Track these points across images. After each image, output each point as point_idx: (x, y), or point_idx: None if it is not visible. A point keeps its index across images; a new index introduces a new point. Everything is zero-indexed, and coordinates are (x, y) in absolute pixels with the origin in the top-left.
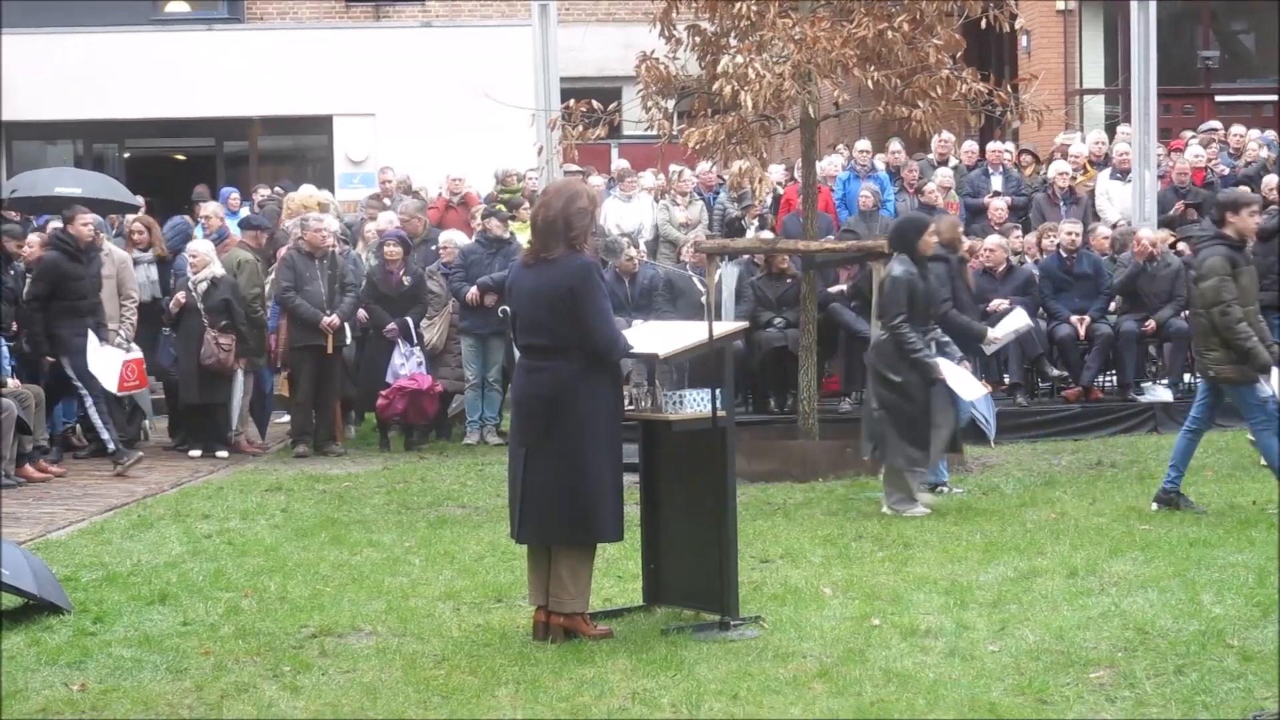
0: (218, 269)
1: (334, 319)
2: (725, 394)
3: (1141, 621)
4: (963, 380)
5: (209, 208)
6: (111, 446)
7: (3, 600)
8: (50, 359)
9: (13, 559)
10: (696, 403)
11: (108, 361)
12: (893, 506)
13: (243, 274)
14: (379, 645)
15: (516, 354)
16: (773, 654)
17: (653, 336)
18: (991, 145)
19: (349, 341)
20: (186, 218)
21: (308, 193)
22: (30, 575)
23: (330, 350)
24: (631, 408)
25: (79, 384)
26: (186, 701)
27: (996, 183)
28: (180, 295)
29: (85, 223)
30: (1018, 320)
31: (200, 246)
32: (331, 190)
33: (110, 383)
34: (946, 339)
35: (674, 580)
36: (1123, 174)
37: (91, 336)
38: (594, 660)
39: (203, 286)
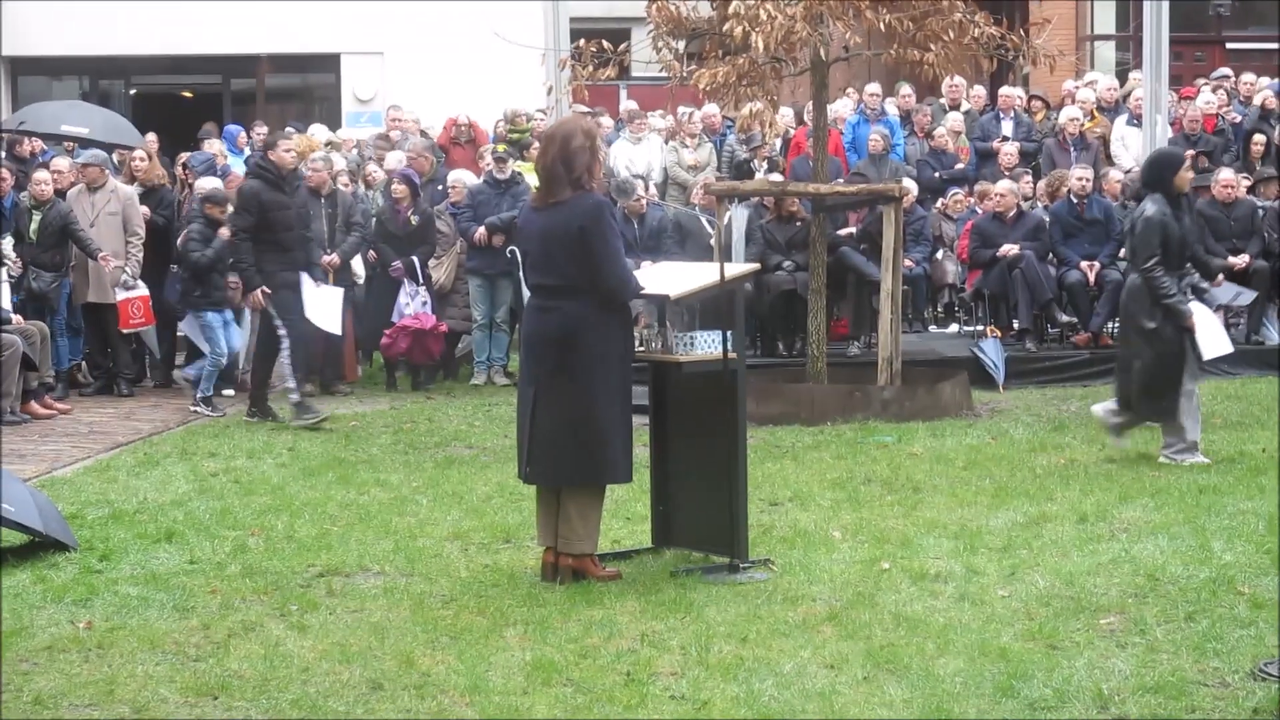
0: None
1: (334, 258)
2: (736, 336)
3: (1152, 568)
4: (1212, 332)
5: (213, 146)
6: (296, 398)
7: (8, 537)
8: (266, 291)
9: (18, 495)
10: (707, 344)
11: (327, 303)
12: (1171, 456)
13: None
14: (386, 585)
15: (526, 294)
16: (782, 597)
17: (663, 277)
18: (1003, 90)
19: (359, 281)
20: (213, 151)
21: (316, 133)
22: (36, 512)
23: None
24: (642, 349)
25: (279, 324)
26: (193, 640)
27: (1006, 128)
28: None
29: (287, 149)
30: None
31: (205, 184)
32: (336, 129)
33: (334, 325)
34: (1205, 285)
35: (683, 522)
36: (1138, 120)
37: (306, 279)
38: (603, 602)
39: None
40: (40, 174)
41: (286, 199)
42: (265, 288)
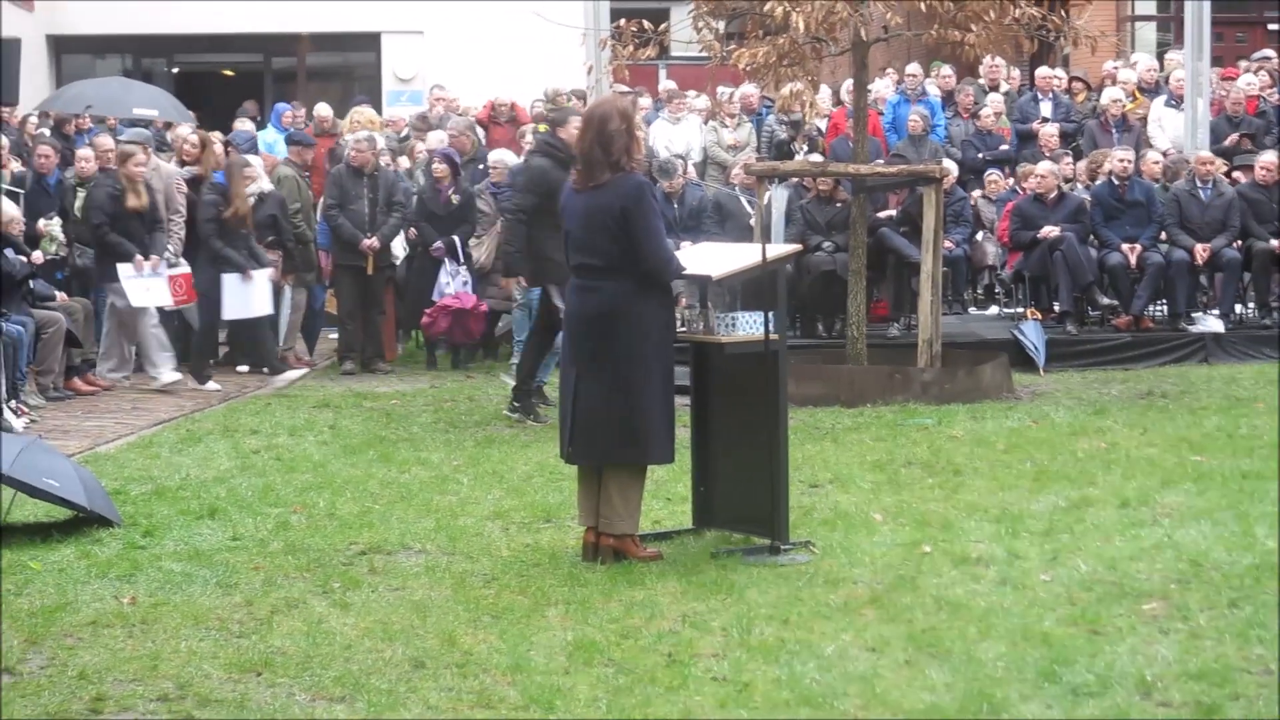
0: (265, 184)
1: (374, 241)
2: (779, 317)
3: (1195, 554)
4: None
5: (244, 125)
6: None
7: (52, 512)
8: (520, 281)
9: (63, 471)
10: (749, 325)
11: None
12: None
13: (283, 189)
14: (428, 563)
15: None
16: (823, 579)
17: (705, 258)
18: (1041, 71)
19: (398, 261)
20: (252, 130)
21: (366, 112)
22: (81, 488)
23: (370, 270)
24: (683, 329)
25: (561, 306)
26: (237, 616)
27: (1046, 109)
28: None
29: (578, 126)
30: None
31: (250, 160)
32: (379, 108)
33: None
34: None
35: (724, 503)
36: (1178, 101)
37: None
38: (644, 582)
39: (250, 201)
40: (84, 151)
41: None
42: (522, 279)
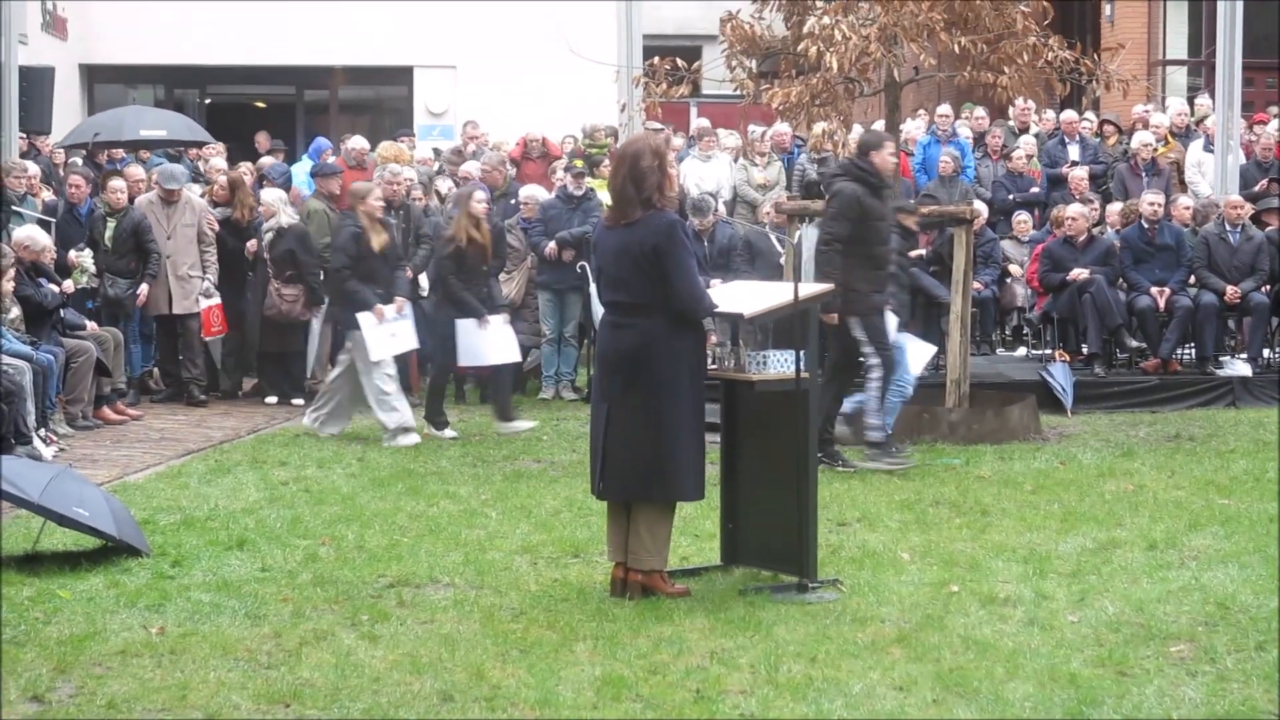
0: (284, 219)
1: (408, 271)
2: (809, 355)
3: (1222, 596)
4: None
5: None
6: (879, 436)
7: (81, 541)
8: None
9: (93, 500)
10: (780, 363)
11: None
12: None
13: (312, 223)
14: (456, 597)
15: (596, 310)
16: (851, 617)
17: (737, 296)
18: (1065, 114)
19: (425, 294)
20: (285, 164)
21: (395, 146)
22: (110, 517)
23: None
24: (715, 367)
25: (872, 351)
26: (265, 648)
27: (1073, 152)
28: (251, 244)
29: (892, 151)
30: None
31: (268, 195)
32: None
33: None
34: None
35: (752, 540)
36: (1214, 146)
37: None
38: (672, 618)
39: (268, 237)
40: (115, 182)
41: (884, 208)
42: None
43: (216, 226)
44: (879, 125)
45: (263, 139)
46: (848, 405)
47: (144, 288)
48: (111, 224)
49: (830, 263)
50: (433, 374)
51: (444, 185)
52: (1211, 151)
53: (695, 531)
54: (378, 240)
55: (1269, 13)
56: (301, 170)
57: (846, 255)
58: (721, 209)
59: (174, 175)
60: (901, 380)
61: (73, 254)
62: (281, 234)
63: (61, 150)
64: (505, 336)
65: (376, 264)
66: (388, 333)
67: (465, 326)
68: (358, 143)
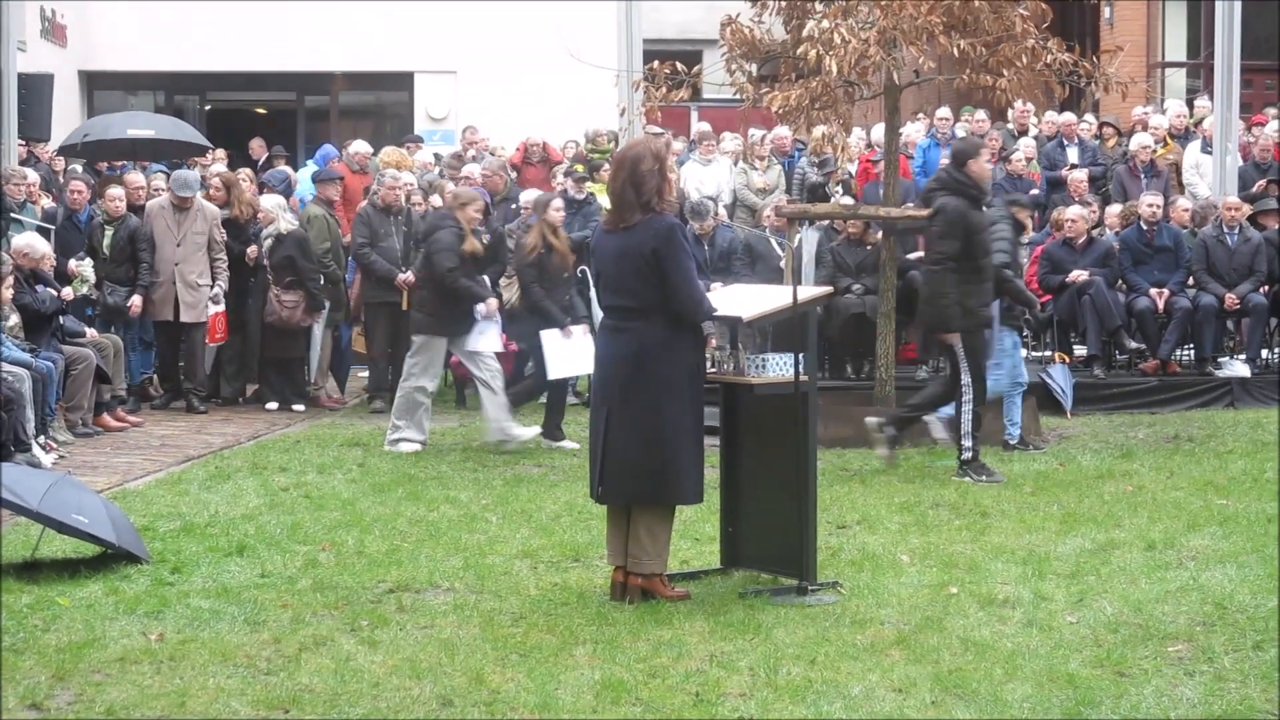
0: (283, 225)
1: (409, 275)
2: (809, 358)
3: (1220, 596)
4: None
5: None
6: (969, 455)
7: (80, 548)
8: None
9: (92, 507)
10: (779, 366)
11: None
12: None
13: (312, 229)
14: (456, 602)
15: (595, 314)
16: (850, 620)
17: (736, 299)
18: (1062, 116)
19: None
20: (286, 169)
21: (395, 151)
22: (109, 524)
23: (405, 306)
24: (714, 370)
25: (965, 368)
26: (264, 654)
27: (1073, 154)
28: (251, 250)
29: (989, 159)
30: None
31: (267, 202)
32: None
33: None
34: None
35: (752, 544)
36: (1212, 146)
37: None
38: (672, 622)
39: (268, 243)
40: (113, 190)
41: (986, 219)
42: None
43: (225, 235)
44: (879, 128)
45: (257, 145)
46: (943, 412)
47: (136, 298)
48: (109, 232)
49: (943, 282)
50: (541, 388)
51: (447, 188)
52: (1210, 153)
53: (695, 535)
54: (471, 246)
55: (1268, 14)
56: (307, 176)
57: (956, 272)
58: (722, 213)
59: (188, 183)
60: (1017, 378)
61: (73, 263)
62: (281, 240)
63: (60, 157)
64: (586, 347)
65: (469, 267)
66: (477, 331)
67: (550, 337)
68: (360, 147)
